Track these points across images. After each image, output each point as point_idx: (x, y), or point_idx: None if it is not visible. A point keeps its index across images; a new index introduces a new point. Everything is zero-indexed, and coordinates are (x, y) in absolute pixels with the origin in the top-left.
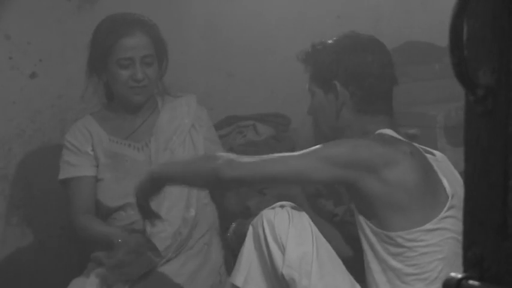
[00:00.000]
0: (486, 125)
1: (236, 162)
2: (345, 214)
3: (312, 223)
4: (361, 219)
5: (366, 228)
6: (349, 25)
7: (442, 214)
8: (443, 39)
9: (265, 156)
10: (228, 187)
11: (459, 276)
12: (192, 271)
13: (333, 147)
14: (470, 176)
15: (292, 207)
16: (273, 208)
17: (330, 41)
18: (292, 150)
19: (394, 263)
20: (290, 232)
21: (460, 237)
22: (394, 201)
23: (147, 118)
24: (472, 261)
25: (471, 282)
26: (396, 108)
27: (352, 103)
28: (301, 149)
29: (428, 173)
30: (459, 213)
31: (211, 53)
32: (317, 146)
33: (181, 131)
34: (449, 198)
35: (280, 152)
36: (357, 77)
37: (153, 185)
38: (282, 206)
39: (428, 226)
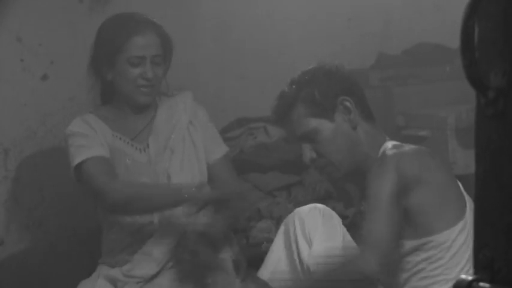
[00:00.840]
0: (497, 127)
1: (372, 260)
2: (355, 216)
3: (342, 225)
4: None
5: None
6: (359, 27)
7: (467, 213)
8: (454, 41)
9: (373, 237)
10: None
11: (470, 278)
12: (200, 272)
13: (383, 184)
14: (481, 178)
15: (325, 208)
16: (307, 207)
17: (304, 77)
18: (302, 153)
19: (422, 265)
20: (319, 228)
21: None
22: (434, 203)
23: (150, 121)
24: (483, 263)
25: (482, 284)
26: (407, 109)
27: (358, 112)
28: None
29: (449, 172)
30: (471, 211)
31: (222, 55)
32: (372, 195)
33: (180, 128)
34: (466, 197)
35: (290, 154)
36: (350, 88)
37: None
38: (315, 207)
39: (459, 226)
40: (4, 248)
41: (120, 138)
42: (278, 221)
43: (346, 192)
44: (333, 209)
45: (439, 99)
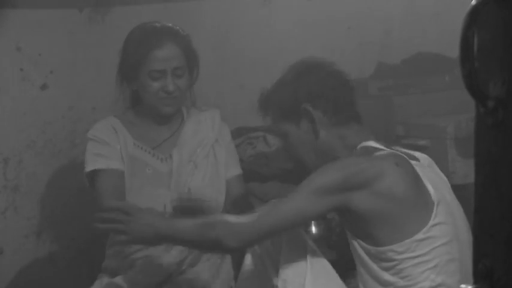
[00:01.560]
0: (496, 137)
1: (236, 228)
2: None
3: (308, 239)
4: (354, 240)
5: (358, 248)
6: (359, 36)
7: (431, 222)
8: (454, 50)
9: (260, 211)
10: (236, 252)
11: None
12: (204, 282)
13: (321, 177)
14: (481, 187)
15: None
16: None
17: (278, 79)
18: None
19: (388, 277)
20: (285, 247)
21: (450, 242)
22: (386, 213)
23: (175, 131)
24: (483, 273)
25: None
26: (407, 119)
27: (326, 119)
28: None
29: (415, 181)
30: (447, 219)
31: (222, 65)
32: (305, 181)
33: (206, 144)
34: (435, 205)
35: (290, 163)
36: (322, 94)
37: (155, 240)
38: None
39: (419, 236)
40: (3, 257)
41: (142, 148)
42: None
43: None
44: (332, 218)
45: (439, 109)
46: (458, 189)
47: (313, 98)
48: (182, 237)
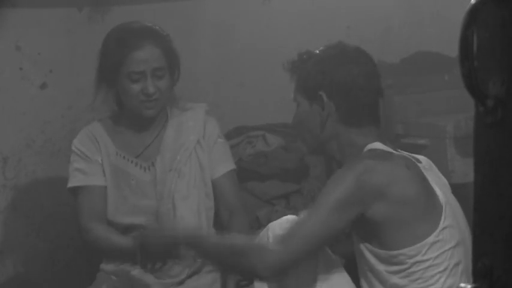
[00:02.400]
0: (496, 136)
1: (268, 258)
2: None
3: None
4: (362, 244)
5: (366, 251)
6: (359, 35)
7: (441, 225)
8: (453, 50)
9: (285, 236)
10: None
11: (469, 287)
12: (205, 286)
13: (338, 190)
14: (480, 186)
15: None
16: (279, 221)
17: (316, 52)
18: (301, 161)
19: (397, 280)
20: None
21: (458, 245)
22: (400, 218)
23: (157, 135)
24: (482, 272)
25: None
26: (406, 118)
27: (337, 115)
28: (310, 159)
29: (424, 184)
30: (453, 221)
31: (221, 63)
32: (322, 197)
33: (186, 148)
34: (444, 207)
35: (289, 162)
36: (342, 89)
37: (171, 250)
38: (287, 220)
39: (430, 239)
40: (3, 256)
41: (124, 157)
42: None
43: None
44: None
45: (438, 108)
46: (457, 189)
47: (334, 90)
48: (209, 254)
